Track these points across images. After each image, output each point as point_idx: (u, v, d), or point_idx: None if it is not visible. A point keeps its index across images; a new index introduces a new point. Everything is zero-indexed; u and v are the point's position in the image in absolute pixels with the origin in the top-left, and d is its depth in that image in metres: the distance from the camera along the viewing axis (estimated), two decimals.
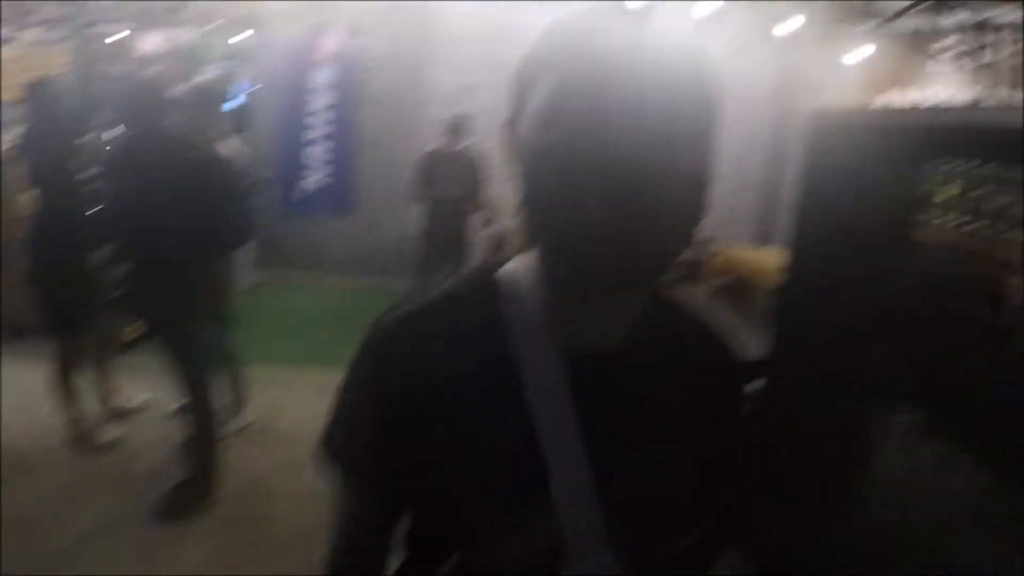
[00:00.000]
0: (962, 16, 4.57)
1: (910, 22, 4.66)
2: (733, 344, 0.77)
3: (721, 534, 0.75)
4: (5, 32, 5.32)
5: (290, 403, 3.65)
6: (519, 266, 0.69)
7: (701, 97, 0.57)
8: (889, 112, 2.14)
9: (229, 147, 3.29)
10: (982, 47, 4.69)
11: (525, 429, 0.64)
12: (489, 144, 5.87)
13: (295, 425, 3.33)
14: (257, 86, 6.31)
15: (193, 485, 2.73)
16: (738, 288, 4.45)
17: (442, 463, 0.66)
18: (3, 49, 5.25)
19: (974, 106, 2.36)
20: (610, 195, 0.53)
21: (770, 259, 4.41)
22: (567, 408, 0.64)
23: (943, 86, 5.07)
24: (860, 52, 5.53)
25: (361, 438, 0.70)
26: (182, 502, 2.69)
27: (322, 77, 6.35)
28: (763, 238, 6.85)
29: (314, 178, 6.48)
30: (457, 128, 5.10)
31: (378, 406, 0.68)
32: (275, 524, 2.73)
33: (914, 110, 1.63)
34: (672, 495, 0.68)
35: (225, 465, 2.83)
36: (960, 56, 4.66)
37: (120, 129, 2.85)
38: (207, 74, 5.17)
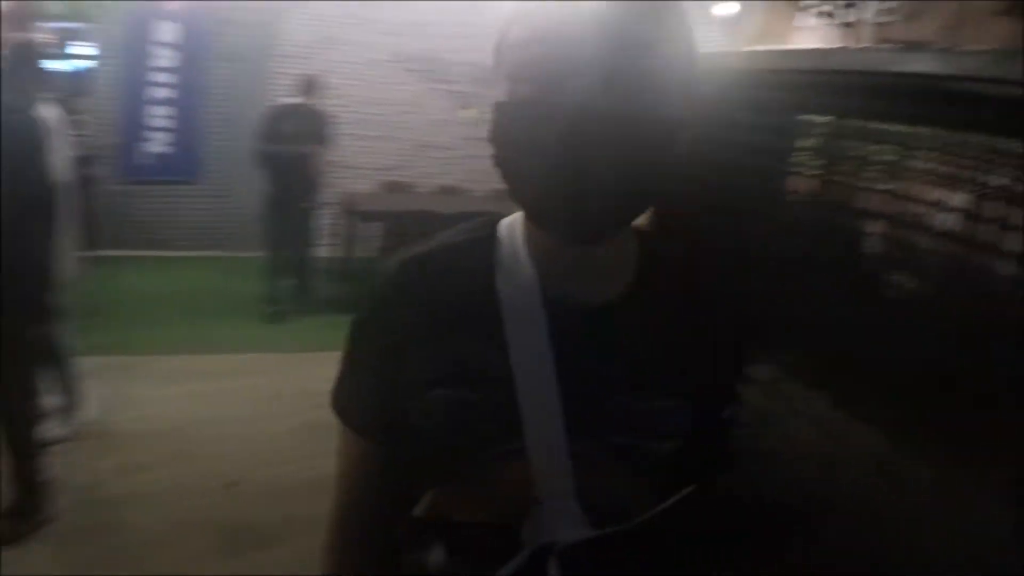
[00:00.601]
0: None
1: None
2: (714, 299, 0.78)
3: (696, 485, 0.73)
4: None
5: (132, 397, 3.38)
6: (517, 219, 0.73)
7: (666, 43, 0.59)
8: (761, 56, 2.11)
9: (52, 111, 2.87)
10: (850, 5, 4.88)
11: (504, 376, 0.66)
12: (345, 100, 5.72)
13: (137, 423, 3.16)
14: (96, 45, 5.56)
15: (20, 506, 2.41)
16: None
17: (423, 398, 0.69)
18: None
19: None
20: (575, 145, 0.56)
21: None
22: (546, 358, 0.66)
23: (810, 41, 5.27)
24: (730, 5, 5.62)
25: (364, 385, 0.75)
26: (10, 528, 2.37)
27: (167, 35, 5.64)
28: None
29: (156, 144, 5.80)
30: (311, 85, 4.75)
31: (376, 342, 0.73)
32: (121, 533, 2.48)
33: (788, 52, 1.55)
34: (647, 450, 0.70)
35: (58, 475, 2.53)
36: (827, 13, 4.82)
37: None
38: (37, 32, 4.51)
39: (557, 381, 0.66)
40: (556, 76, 0.57)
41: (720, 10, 5.58)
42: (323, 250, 5.47)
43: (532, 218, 0.67)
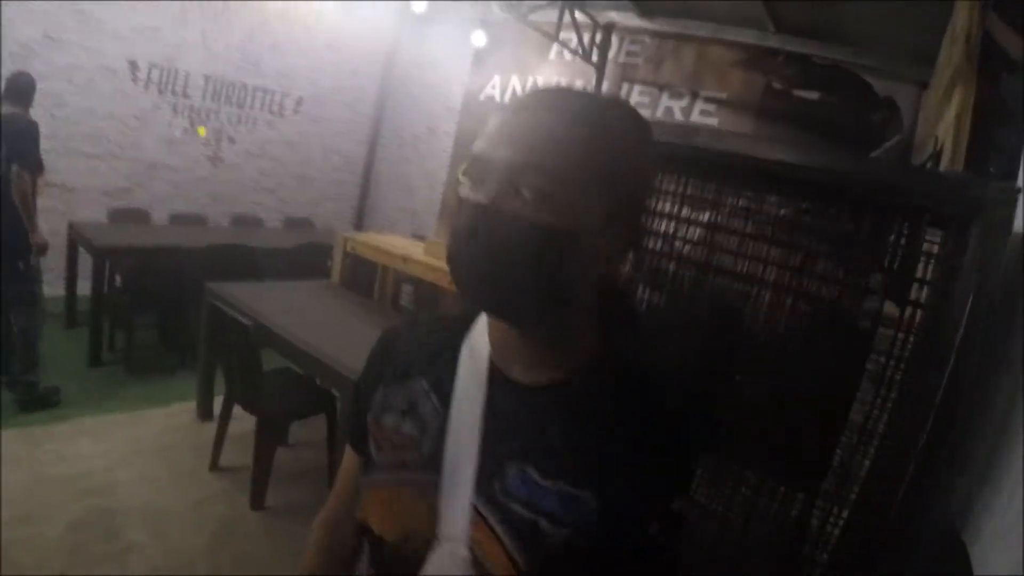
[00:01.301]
0: (581, 16, 5.06)
1: (538, 13, 4.97)
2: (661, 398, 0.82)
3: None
4: None
5: None
6: None
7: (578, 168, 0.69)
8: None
9: None
10: (595, 45, 5.28)
11: (441, 424, 0.79)
12: (68, 111, 4.81)
13: None
14: None
15: None
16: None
17: (378, 421, 0.85)
18: None
19: None
20: (480, 238, 0.69)
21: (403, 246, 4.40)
22: (476, 417, 0.77)
23: (560, 77, 5.60)
24: (483, 35, 5.77)
25: (353, 409, 0.93)
26: None
27: None
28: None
29: None
30: (18, 89, 3.80)
31: (364, 379, 0.91)
32: None
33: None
34: (536, 524, 0.73)
35: None
36: (579, 51, 5.16)
37: None
38: None
39: (480, 440, 0.76)
40: (481, 177, 0.70)
41: (477, 40, 5.74)
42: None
43: (461, 298, 0.76)
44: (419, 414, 0.81)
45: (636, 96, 5.23)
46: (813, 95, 4.55)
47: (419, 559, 0.76)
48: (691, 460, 0.89)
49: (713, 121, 4.88)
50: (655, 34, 5.19)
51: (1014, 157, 1.75)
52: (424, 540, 0.76)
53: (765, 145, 1.53)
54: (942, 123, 2.83)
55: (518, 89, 5.91)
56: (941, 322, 1.25)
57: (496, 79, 6.07)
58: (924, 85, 3.95)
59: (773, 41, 4.61)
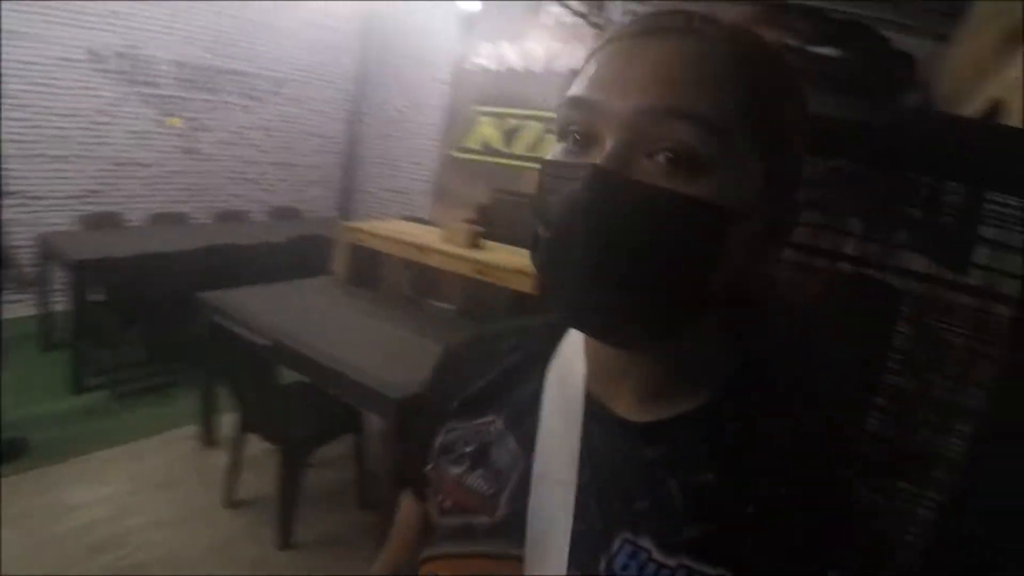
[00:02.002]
0: None
1: None
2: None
3: None
4: None
5: None
6: None
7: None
8: None
9: None
10: (600, 6, 4.91)
11: (523, 474, 0.59)
12: (29, 112, 4.33)
13: None
14: None
15: None
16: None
17: (440, 468, 0.65)
18: None
19: None
20: (610, 248, 0.47)
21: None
22: (571, 467, 0.57)
23: (557, 42, 5.27)
24: (473, 3, 5.39)
25: (411, 447, 0.72)
26: None
27: None
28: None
29: None
30: None
31: (424, 411, 0.70)
32: None
33: None
34: None
35: None
36: (581, 13, 4.82)
37: None
38: None
39: (577, 499, 0.56)
40: (590, 131, 0.50)
41: (466, 6, 5.35)
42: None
43: (550, 305, 0.55)
44: (492, 462, 0.62)
45: None
46: (829, 51, 4.25)
47: None
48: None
49: None
50: None
51: None
52: None
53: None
54: (997, 81, 2.57)
55: (512, 57, 5.52)
56: None
57: (487, 46, 5.67)
58: (943, 38, 3.69)
59: None
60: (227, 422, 3.16)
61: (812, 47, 5.19)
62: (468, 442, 0.64)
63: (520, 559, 0.57)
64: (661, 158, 0.47)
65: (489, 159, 5.49)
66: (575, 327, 0.58)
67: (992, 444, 1.04)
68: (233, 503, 2.93)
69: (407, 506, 0.77)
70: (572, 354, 0.63)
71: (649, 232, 0.47)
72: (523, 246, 3.63)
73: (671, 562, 0.52)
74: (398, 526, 0.79)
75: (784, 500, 0.53)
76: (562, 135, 0.53)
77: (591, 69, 0.51)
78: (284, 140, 6.38)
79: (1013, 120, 2.08)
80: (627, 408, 0.58)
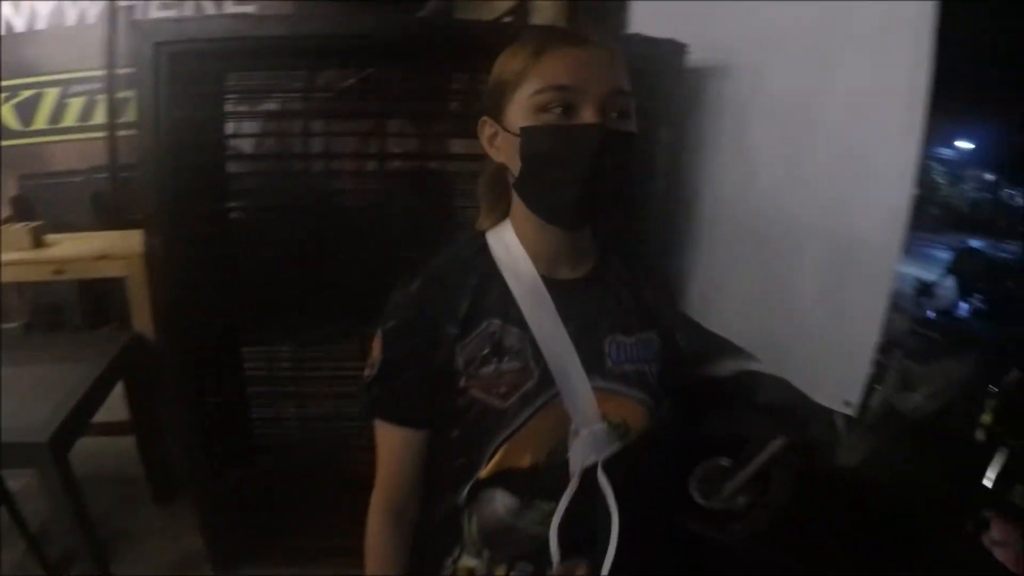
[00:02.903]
0: None
1: None
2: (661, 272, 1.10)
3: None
4: None
5: None
6: (503, 228, 0.94)
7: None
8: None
9: None
10: None
11: (531, 343, 0.87)
12: None
13: None
14: None
15: None
16: None
17: (473, 377, 0.87)
18: None
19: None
20: (596, 157, 0.81)
21: None
22: (556, 322, 0.88)
23: None
24: None
25: (402, 382, 0.90)
26: None
27: None
28: None
29: None
30: None
31: (411, 346, 0.88)
32: None
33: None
34: (643, 370, 0.94)
35: None
36: None
37: None
38: None
39: (568, 337, 0.88)
40: (572, 102, 0.81)
41: None
42: None
43: (543, 212, 0.87)
44: (509, 347, 0.87)
45: (158, 10, 4.46)
46: None
47: (563, 464, 0.87)
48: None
49: (249, 9, 4.51)
50: None
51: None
52: (561, 443, 0.87)
53: (313, 20, 1.56)
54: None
55: (12, 17, 4.51)
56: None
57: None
58: None
59: None
60: None
61: None
62: (482, 347, 0.87)
63: (559, 394, 0.86)
64: (615, 115, 0.83)
65: (8, 143, 4.62)
66: (559, 224, 0.88)
67: None
68: None
69: (400, 438, 0.92)
70: (509, 252, 0.91)
71: (626, 157, 0.84)
72: (77, 229, 3.11)
73: (632, 339, 0.94)
74: (394, 456, 0.93)
75: (643, 295, 0.99)
76: (543, 109, 0.82)
77: (553, 67, 0.82)
78: None
79: (543, 15, 2.51)
80: (567, 273, 0.93)
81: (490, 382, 0.86)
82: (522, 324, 0.88)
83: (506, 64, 0.88)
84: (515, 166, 0.87)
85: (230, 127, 1.55)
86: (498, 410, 0.86)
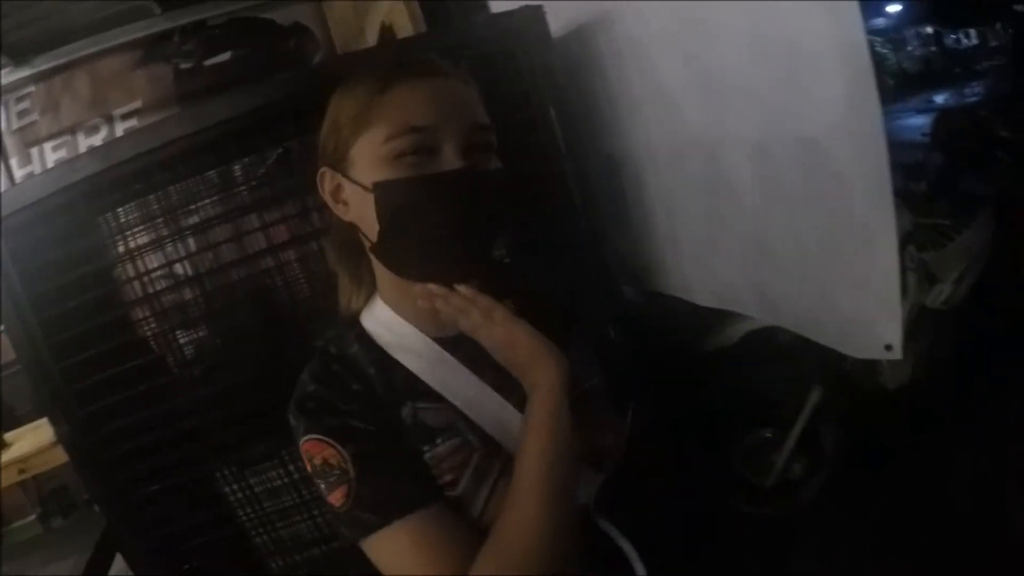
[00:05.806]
0: None
1: None
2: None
3: None
4: None
5: None
6: (373, 307, 0.85)
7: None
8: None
9: None
10: None
11: (460, 410, 0.78)
12: None
13: None
14: None
15: None
16: None
17: (433, 450, 0.76)
18: None
19: None
20: (460, 205, 0.73)
21: None
22: (472, 383, 0.79)
23: None
24: None
25: (381, 482, 0.73)
26: None
27: None
28: None
29: None
30: None
31: (365, 442, 0.74)
32: None
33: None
34: (589, 389, 0.85)
35: None
36: None
37: None
38: None
39: (493, 390, 0.79)
40: (431, 145, 0.72)
41: None
42: None
43: (414, 275, 0.78)
44: (436, 428, 0.77)
45: (51, 155, 4.34)
46: (224, 57, 4.39)
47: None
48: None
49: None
50: (38, 78, 4.38)
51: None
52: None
53: (189, 118, 1.37)
54: (376, 12, 3.06)
55: None
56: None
57: None
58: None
59: (163, 23, 4.26)
60: None
61: (208, 62, 5.26)
62: (420, 436, 0.77)
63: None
64: (478, 154, 0.75)
65: None
66: (439, 283, 0.77)
67: None
68: None
69: (436, 521, 0.72)
70: (393, 333, 0.81)
71: (496, 195, 0.76)
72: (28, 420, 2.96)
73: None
74: (448, 545, 0.71)
75: (555, 312, 0.84)
76: (398, 157, 0.72)
77: (403, 105, 0.72)
78: None
79: (406, 32, 2.52)
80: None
81: (441, 462, 0.76)
82: (439, 398, 0.78)
83: (345, 104, 0.76)
84: (369, 227, 0.75)
85: (129, 269, 1.34)
86: (455, 499, 0.75)
